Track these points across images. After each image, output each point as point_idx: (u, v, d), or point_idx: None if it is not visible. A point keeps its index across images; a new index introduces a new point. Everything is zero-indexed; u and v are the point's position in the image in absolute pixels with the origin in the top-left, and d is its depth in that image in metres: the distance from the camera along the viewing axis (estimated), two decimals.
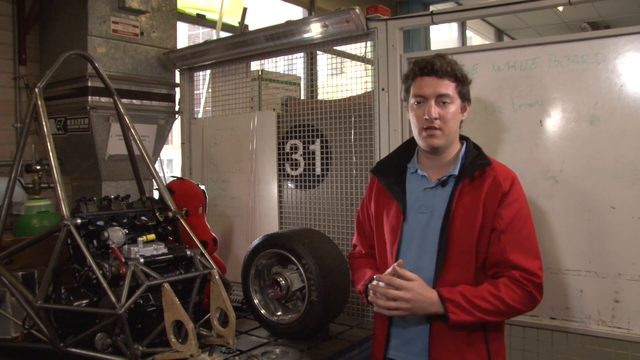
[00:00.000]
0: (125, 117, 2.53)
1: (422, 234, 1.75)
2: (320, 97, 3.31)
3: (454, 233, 1.69)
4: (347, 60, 3.06)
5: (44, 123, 2.17)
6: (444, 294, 1.62)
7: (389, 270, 1.70)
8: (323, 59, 3.27)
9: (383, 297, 1.65)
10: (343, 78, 2.98)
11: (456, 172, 1.73)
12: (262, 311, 2.47)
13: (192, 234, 2.29)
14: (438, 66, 1.69)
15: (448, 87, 1.69)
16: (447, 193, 1.73)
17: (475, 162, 1.72)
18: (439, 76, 1.69)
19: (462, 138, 1.84)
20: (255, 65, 3.33)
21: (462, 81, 1.72)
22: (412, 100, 1.75)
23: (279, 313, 2.45)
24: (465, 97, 1.74)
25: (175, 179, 2.94)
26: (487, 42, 8.75)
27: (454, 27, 8.70)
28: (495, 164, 1.74)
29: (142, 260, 2.00)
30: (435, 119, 1.69)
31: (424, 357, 1.73)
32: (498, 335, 1.76)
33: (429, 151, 1.78)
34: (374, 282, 1.70)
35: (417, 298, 1.60)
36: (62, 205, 2.03)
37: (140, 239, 2.07)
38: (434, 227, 1.72)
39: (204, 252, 2.20)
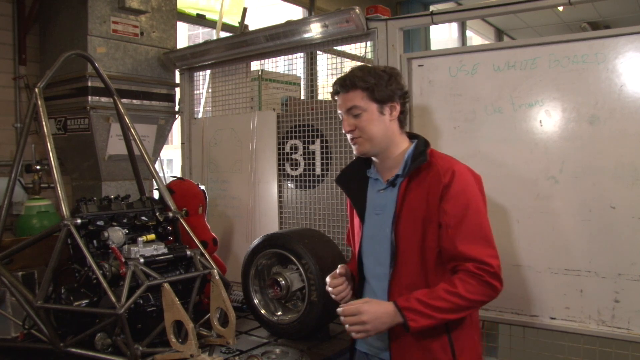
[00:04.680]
0: (125, 117, 2.53)
1: (378, 234, 1.81)
2: (320, 97, 3.31)
3: (400, 231, 1.74)
4: (347, 60, 3.05)
5: (44, 123, 2.17)
6: (400, 303, 1.64)
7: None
8: (323, 59, 3.26)
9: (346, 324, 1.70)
10: None
11: (400, 172, 1.77)
12: (262, 311, 2.47)
13: (192, 234, 2.29)
14: (342, 82, 1.78)
15: (354, 99, 1.76)
16: (395, 193, 1.77)
17: (416, 159, 1.75)
18: (345, 91, 1.78)
19: (415, 137, 1.85)
20: (255, 65, 3.33)
21: (372, 87, 1.74)
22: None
23: (279, 313, 2.46)
24: (383, 99, 1.75)
25: (175, 179, 2.94)
26: (487, 42, 8.75)
27: (454, 27, 8.70)
28: (438, 158, 1.75)
29: (142, 260, 2.00)
30: (351, 130, 1.78)
31: (387, 352, 1.78)
32: (462, 325, 1.74)
33: (365, 157, 1.86)
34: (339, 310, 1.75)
35: (374, 316, 1.64)
36: (62, 205, 2.03)
37: (140, 239, 2.07)
38: (386, 227, 1.77)
39: (204, 252, 2.20)
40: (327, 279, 1.88)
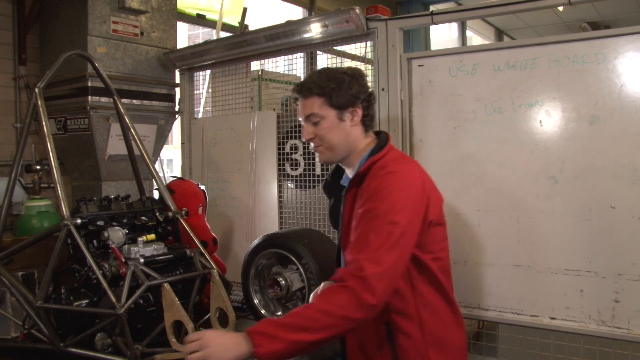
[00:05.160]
0: (125, 117, 2.54)
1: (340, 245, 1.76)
2: None
3: (345, 240, 1.65)
4: (347, 60, 3.06)
5: (44, 123, 2.18)
6: (249, 328, 1.42)
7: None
8: (323, 59, 3.27)
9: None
10: None
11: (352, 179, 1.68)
12: (262, 311, 2.47)
13: (192, 234, 2.30)
14: (299, 88, 1.69)
15: (313, 106, 1.65)
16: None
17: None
18: (304, 97, 1.68)
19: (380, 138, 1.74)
20: (255, 65, 3.33)
21: (330, 93, 1.63)
22: None
23: (279, 313, 2.46)
24: (343, 105, 1.64)
25: (175, 179, 2.94)
26: (487, 42, 8.74)
27: (454, 27, 8.70)
28: (379, 163, 1.60)
29: (142, 260, 2.00)
30: (311, 139, 1.69)
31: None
32: (412, 344, 1.59)
33: (329, 164, 1.77)
34: None
35: (217, 342, 1.41)
36: (62, 205, 2.03)
37: (140, 239, 2.07)
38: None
39: (204, 252, 2.21)
40: (311, 298, 1.77)
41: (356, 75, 1.69)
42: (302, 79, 3.42)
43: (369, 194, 1.54)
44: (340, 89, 1.64)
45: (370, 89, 1.72)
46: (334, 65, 2.95)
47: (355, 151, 1.70)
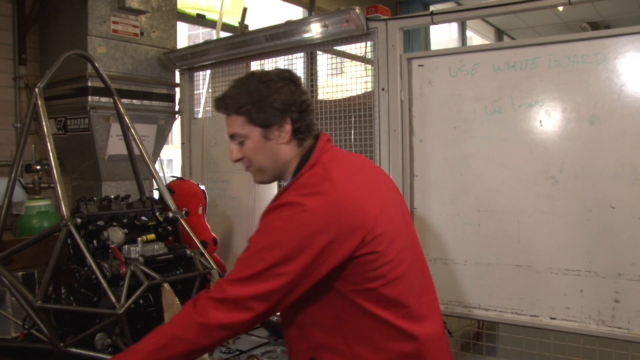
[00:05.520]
0: (125, 117, 2.54)
1: None
2: (320, 97, 3.31)
3: None
4: (347, 60, 3.06)
5: (44, 123, 2.17)
6: (111, 357, 1.41)
7: None
8: (323, 59, 3.27)
9: None
10: (343, 78, 2.98)
11: None
12: None
13: (192, 234, 2.30)
14: (217, 104, 1.51)
15: (235, 125, 1.47)
16: None
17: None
18: (227, 114, 1.49)
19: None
20: (255, 65, 3.33)
21: (250, 110, 1.44)
22: None
23: (279, 313, 2.45)
24: (267, 122, 1.44)
25: (175, 179, 2.94)
26: (487, 42, 8.74)
27: (454, 27, 8.69)
28: (289, 189, 1.42)
29: (142, 260, 2.00)
30: (239, 159, 1.53)
31: None
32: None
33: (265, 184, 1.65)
34: None
35: None
36: (62, 205, 2.03)
37: (140, 238, 2.07)
38: None
39: (204, 252, 2.21)
40: None
41: (286, 81, 1.47)
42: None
43: (259, 225, 1.41)
44: (263, 104, 1.43)
45: (302, 96, 1.49)
46: (335, 65, 2.96)
47: (288, 168, 1.52)
